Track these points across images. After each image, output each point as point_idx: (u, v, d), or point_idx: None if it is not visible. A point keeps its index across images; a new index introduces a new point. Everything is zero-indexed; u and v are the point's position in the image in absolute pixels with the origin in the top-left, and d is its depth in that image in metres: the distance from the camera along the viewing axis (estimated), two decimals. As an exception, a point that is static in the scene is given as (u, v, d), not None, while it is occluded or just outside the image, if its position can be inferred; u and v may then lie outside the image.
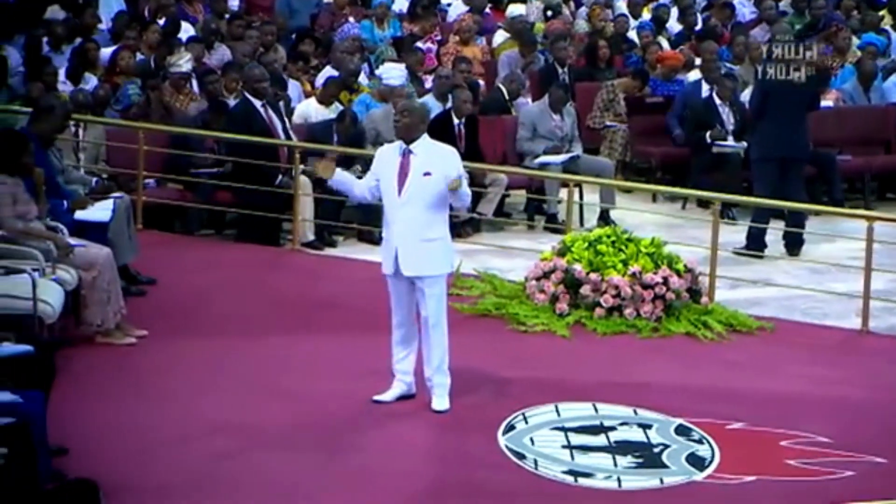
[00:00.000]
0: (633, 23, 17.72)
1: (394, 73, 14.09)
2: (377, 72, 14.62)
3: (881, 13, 18.16)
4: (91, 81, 13.89)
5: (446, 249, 8.82)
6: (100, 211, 10.30)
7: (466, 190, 8.69)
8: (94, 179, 11.29)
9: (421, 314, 8.77)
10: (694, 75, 15.64)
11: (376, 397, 8.87)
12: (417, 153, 8.62)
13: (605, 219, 13.37)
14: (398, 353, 8.89)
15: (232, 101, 13.11)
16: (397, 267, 8.65)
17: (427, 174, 8.57)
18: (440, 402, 8.78)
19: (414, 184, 8.57)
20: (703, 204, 13.85)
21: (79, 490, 5.46)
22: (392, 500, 7.69)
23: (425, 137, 8.71)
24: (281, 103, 13.38)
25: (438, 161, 8.63)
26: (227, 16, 16.47)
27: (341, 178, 8.87)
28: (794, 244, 12.76)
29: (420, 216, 8.59)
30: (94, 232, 10.05)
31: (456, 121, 13.41)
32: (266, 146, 12.32)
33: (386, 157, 8.76)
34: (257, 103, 12.47)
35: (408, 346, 8.87)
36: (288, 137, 12.67)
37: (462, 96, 13.44)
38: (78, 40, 14.78)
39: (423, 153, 8.63)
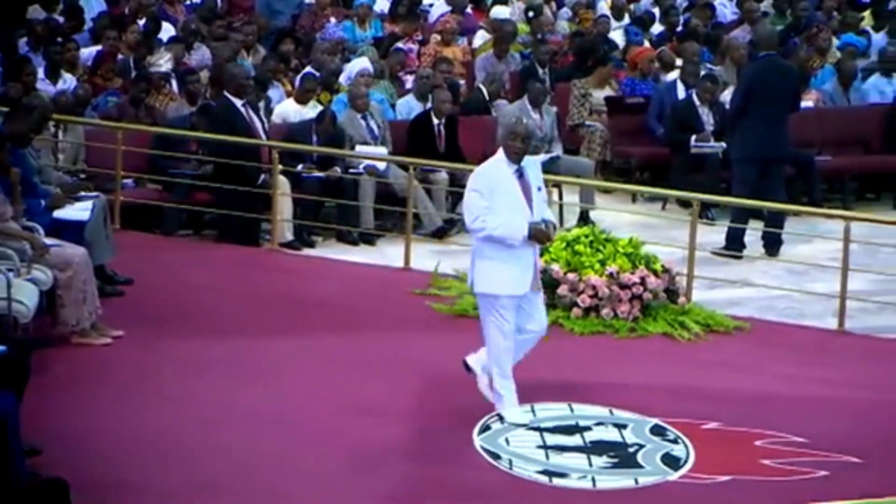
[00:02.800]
0: (614, 24, 17.77)
1: (355, 65, 14.20)
2: (346, 71, 14.60)
3: (862, 14, 18.18)
4: (69, 81, 13.87)
5: None
6: (79, 210, 10.27)
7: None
8: (72, 179, 11.27)
9: (531, 327, 8.67)
10: (674, 76, 15.65)
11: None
12: (527, 170, 8.62)
13: (584, 219, 13.37)
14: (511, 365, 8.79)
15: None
16: (534, 284, 8.63)
17: (540, 189, 8.67)
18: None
19: (537, 201, 8.60)
20: (684, 204, 13.86)
21: (50, 489, 5.44)
22: (365, 499, 7.68)
23: None
24: (262, 103, 13.40)
25: (540, 175, 8.75)
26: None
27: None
28: (772, 244, 12.78)
29: None
30: (71, 232, 10.03)
31: (436, 121, 13.43)
32: (247, 146, 12.28)
33: (497, 176, 8.54)
34: (238, 103, 12.44)
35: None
36: (267, 138, 12.67)
37: (441, 96, 13.45)
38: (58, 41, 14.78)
39: (530, 169, 8.65)
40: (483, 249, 8.57)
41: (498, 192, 8.48)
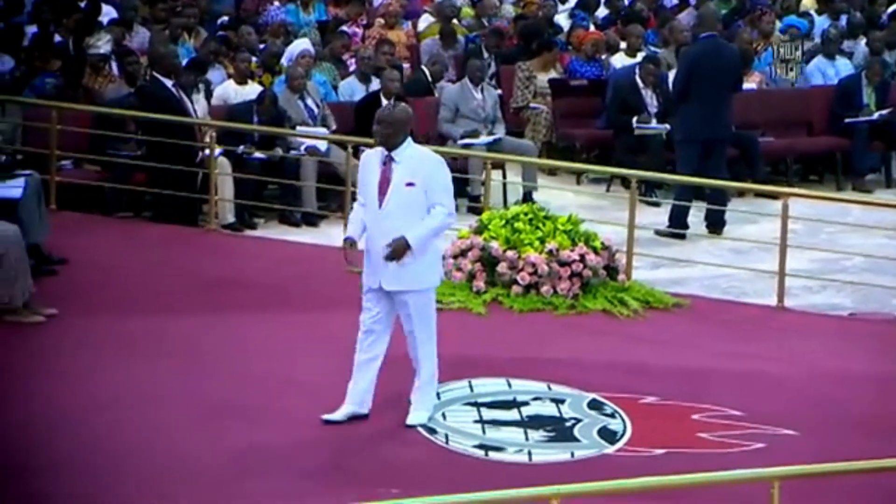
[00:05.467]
0: (559, 7, 17.75)
1: (296, 46, 14.12)
2: (287, 52, 14.49)
3: (805, -2, 18.28)
4: (7, 63, 13.71)
5: (432, 261, 8.21)
6: (10, 188, 10.14)
7: (443, 220, 8.07)
8: (5, 158, 11.13)
9: (405, 328, 8.16)
10: (619, 59, 15.64)
11: (326, 416, 8.20)
12: (400, 160, 7.99)
13: (527, 201, 13.29)
14: (359, 365, 8.23)
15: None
16: (380, 282, 8.08)
17: (410, 185, 7.96)
18: (414, 415, 8.26)
19: (396, 195, 7.97)
20: (628, 186, 13.81)
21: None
22: (304, 476, 7.60)
23: (409, 143, 8.08)
24: (202, 85, 13.29)
25: (421, 170, 8.00)
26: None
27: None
28: (715, 224, 12.78)
29: (402, 228, 7.95)
30: (2, 210, 9.90)
31: (384, 101, 13.31)
32: (182, 125, 12.13)
33: (368, 164, 8.11)
34: (168, 83, 12.32)
35: (372, 357, 8.23)
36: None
37: (390, 76, 13.37)
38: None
39: (405, 161, 7.99)
40: None
41: (362, 178, 8.16)
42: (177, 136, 12.03)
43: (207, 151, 12.16)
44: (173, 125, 12.07)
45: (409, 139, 8.15)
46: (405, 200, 7.99)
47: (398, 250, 7.97)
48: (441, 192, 8.06)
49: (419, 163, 8.05)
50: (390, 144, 8.02)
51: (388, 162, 8.03)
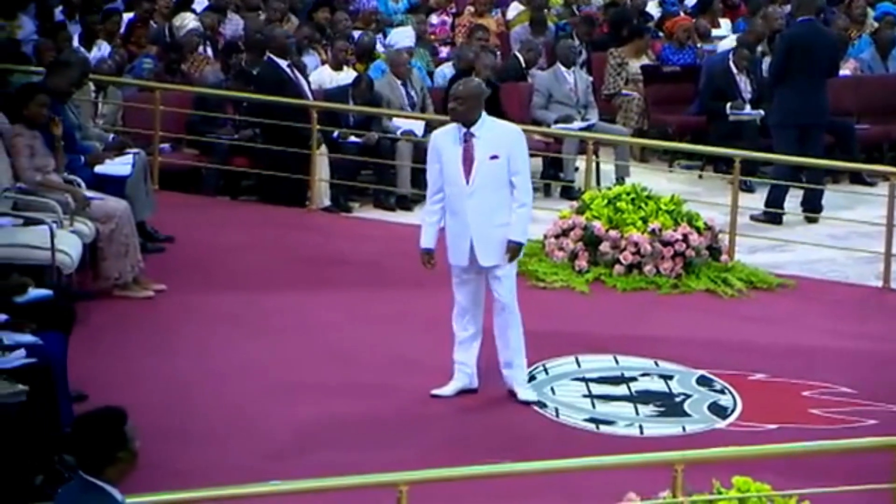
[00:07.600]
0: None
1: (400, 36, 14.09)
2: (387, 40, 14.54)
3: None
4: (104, 49, 13.85)
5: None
6: (120, 165, 10.26)
7: (530, 202, 8.16)
8: (111, 136, 11.25)
9: (495, 299, 8.20)
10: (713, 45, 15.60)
11: (434, 391, 8.27)
12: (480, 136, 8.01)
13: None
14: (461, 343, 8.31)
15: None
16: (473, 258, 8.06)
17: (494, 157, 7.99)
18: (525, 391, 8.31)
19: (482, 170, 7.97)
20: (720, 171, 13.76)
21: (106, 417, 5.29)
22: (414, 447, 7.64)
23: (485, 117, 8.09)
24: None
25: (503, 142, 8.03)
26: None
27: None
28: (813, 208, 12.67)
29: (491, 202, 8.02)
30: (112, 186, 10.02)
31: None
32: (298, 107, 12.12)
33: (443, 143, 8.08)
34: (283, 64, 12.38)
35: (473, 335, 8.31)
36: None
37: (485, 60, 13.34)
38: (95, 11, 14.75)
39: (485, 135, 8.02)
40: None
41: (442, 158, 8.11)
42: (292, 118, 12.04)
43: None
44: (288, 107, 12.05)
45: (485, 113, 8.14)
46: (491, 174, 8.00)
47: (515, 253, 8.11)
48: (522, 161, 8.12)
49: (499, 135, 8.08)
50: (468, 120, 8.03)
51: (468, 139, 8.02)
